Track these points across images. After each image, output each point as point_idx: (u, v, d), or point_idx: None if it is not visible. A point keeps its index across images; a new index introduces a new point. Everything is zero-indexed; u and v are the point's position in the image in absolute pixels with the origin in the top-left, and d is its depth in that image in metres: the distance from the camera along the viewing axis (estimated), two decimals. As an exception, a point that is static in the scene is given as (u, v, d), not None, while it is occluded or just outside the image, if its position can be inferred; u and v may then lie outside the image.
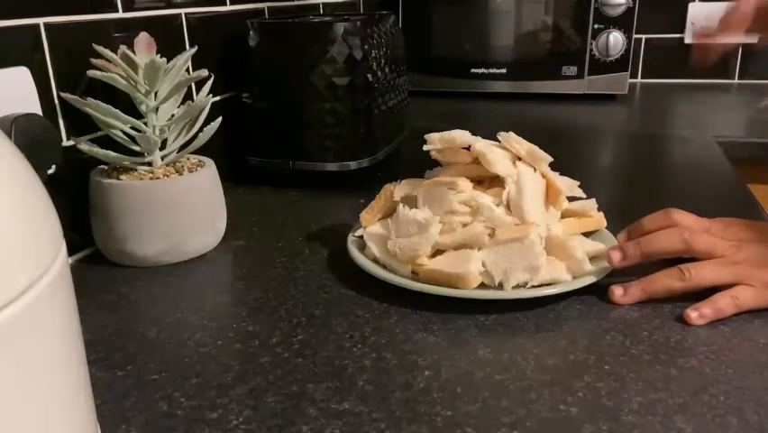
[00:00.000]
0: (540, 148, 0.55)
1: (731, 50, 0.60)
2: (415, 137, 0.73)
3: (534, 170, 0.55)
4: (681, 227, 0.52)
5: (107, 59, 0.57)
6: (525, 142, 0.56)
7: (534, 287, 0.50)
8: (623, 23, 1.27)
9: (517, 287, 0.50)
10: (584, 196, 0.59)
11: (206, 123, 0.63)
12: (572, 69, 1.31)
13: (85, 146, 0.57)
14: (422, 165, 0.60)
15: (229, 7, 0.83)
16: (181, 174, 0.59)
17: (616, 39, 1.27)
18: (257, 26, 0.78)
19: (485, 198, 0.53)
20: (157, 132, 0.59)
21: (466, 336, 0.46)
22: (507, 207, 0.53)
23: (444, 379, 0.42)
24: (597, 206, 0.59)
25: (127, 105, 0.58)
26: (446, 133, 0.56)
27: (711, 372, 0.42)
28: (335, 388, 0.41)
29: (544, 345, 0.45)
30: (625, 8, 1.26)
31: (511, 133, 0.56)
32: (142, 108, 0.59)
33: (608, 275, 0.51)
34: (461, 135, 0.55)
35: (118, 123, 0.57)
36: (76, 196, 0.60)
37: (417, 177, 0.58)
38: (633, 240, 0.52)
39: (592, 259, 0.52)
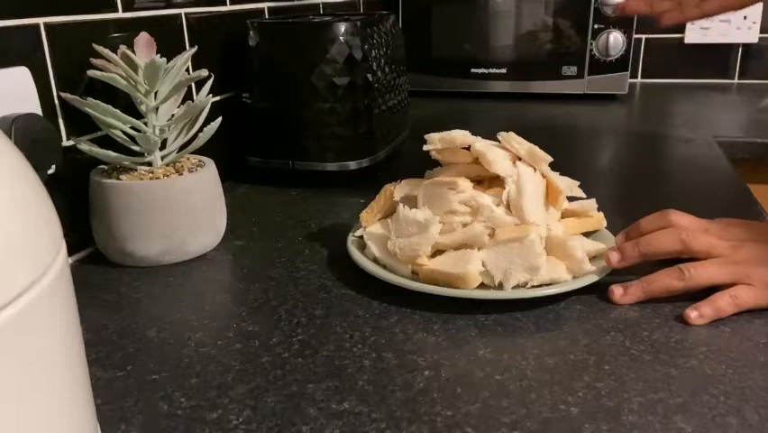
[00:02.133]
0: (540, 148, 0.55)
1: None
2: (415, 137, 0.73)
3: (534, 170, 0.55)
4: (679, 227, 0.52)
5: (107, 59, 0.57)
6: (525, 142, 0.55)
7: (534, 287, 0.50)
8: (623, 23, 1.27)
9: (517, 287, 0.49)
10: (584, 196, 0.59)
11: (206, 123, 0.63)
12: (572, 69, 1.31)
13: (85, 146, 0.57)
14: (422, 165, 0.60)
15: (229, 7, 0.83)
16: (181, 174, 0.59)
17: (616, 39, 1.27)
18: (257, 26, 0.78)
19: (485, 198, 0.53)
20: (157, 132, 0.59)
21: (466, 336, 0.46)
22: (507, 207, 0.53)
23: (444, 379, 0.42)
24: (597, 206, 0.59)
25: (127, 105, 0.58)
26: (446, 133, 0.56)
27: (711, 372, 0.42)
28: (335, 388, 0.41)
29: (544, 345, 0.45)
30: (625, 8, 1.26)
31: (511, 133, 0.56)
32: (142, 108, 0.59)
33: (608, 275, 0.51)
34: (461, 135, 0.55)
35: (118, 123, 0.57)
36: (76, 196, 0.60)
37: (417, 177, 0.58)
38: (631, 241, 0.52)
39: (592, 259, 0.52)
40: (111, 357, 0.45)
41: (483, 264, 0.50)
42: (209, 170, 0.61)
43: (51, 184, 0.55)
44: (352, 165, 0.79)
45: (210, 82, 0.63)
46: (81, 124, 0.59)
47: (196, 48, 0.63)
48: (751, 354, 0.44)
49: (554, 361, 0.43)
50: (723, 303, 0.47)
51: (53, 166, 0.55)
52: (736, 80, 1.52)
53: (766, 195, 0.93)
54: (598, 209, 0.59)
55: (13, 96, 0.53)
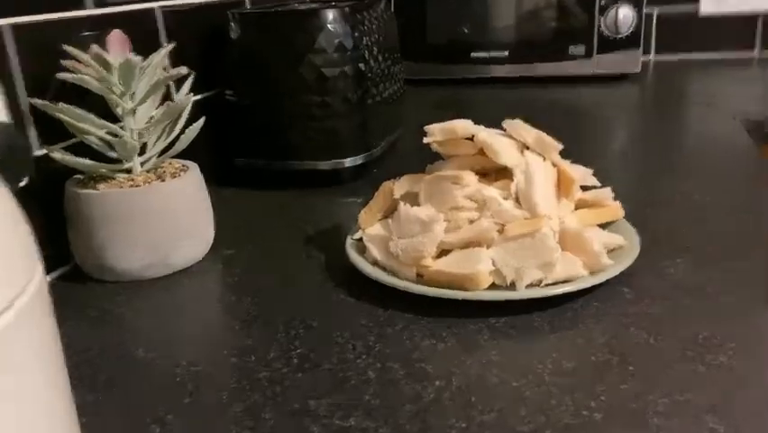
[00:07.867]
0: (549, 135, 0.55)
1: None
2: (413, 130, 0.73)
3: (544, 158, 0.55)
4: None
5: (78, 60, 0.57)
6: (532, 129, 0.56)
7: (548, 285, 0.50)
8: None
9: (531, 286, 0.50)
10: (598, 184, 0.59)
11: (188, 124, 0.63)
12: (580, 49, 1.31)
13: (58, 155, 0.57)
14: (422, 159, 0.60)
15: (207, -2, 0.83)
16: (163, 180, 0.59)
17: (625, 14, 1.27)
18: (238, 17, 0.78)
19: (492, 192, 0.53)
20: (135, 136, 0.59)
21: (478, 341, 0.47)
22: (516, 199, 0.53)
23: (456, 388, 0.42)
24: (612, 195, 0.59)
25: (102, 108, 0.58)
26: (447, 124, 0.56)
27: (741, 369, 0.42)
28: (339, 403, 0.41)
29: (561, 348, 0.45)
30: (633, -20, 1.26)
31: (517, 121, 0.56)
32: (118, 111, 0.59)
33: (628, 269, 0.51)
34: (462, 125, 0.55)
35: (93, 128, 0.57)
36: (51, 209, 0.60)
37: (418, 172, 0.58)
38: None
39: (610, 252, 0.52)
40: (96, 380, 0.45)
41: (493, 263, 0.50)
42: (193, 175, 0.61)
43: (24, 197, 0.55)
44: (347, 162, 0.79)
45: (190, 80, 0.63)
46: (54, 131, 0.59)
47: (173, 44, 0.63)
48: (785, 346, 0.44)
49: (574, 363, 0.43)
50: None
51: (25, 178, 0.55)
52: (757, 54, 1.52)
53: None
54: (614, 198, 0.59)
55: (-22, 104, 0.53)
